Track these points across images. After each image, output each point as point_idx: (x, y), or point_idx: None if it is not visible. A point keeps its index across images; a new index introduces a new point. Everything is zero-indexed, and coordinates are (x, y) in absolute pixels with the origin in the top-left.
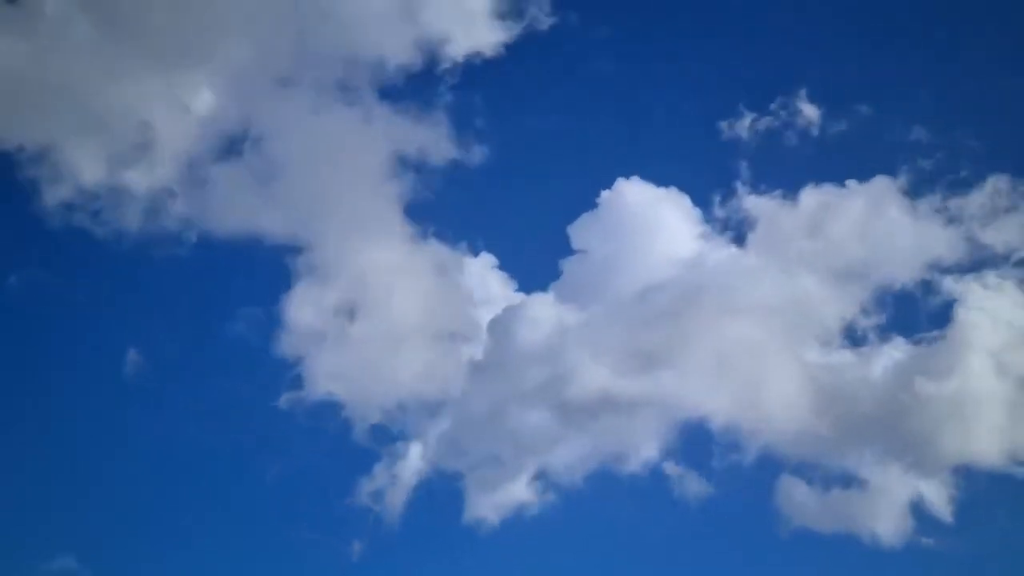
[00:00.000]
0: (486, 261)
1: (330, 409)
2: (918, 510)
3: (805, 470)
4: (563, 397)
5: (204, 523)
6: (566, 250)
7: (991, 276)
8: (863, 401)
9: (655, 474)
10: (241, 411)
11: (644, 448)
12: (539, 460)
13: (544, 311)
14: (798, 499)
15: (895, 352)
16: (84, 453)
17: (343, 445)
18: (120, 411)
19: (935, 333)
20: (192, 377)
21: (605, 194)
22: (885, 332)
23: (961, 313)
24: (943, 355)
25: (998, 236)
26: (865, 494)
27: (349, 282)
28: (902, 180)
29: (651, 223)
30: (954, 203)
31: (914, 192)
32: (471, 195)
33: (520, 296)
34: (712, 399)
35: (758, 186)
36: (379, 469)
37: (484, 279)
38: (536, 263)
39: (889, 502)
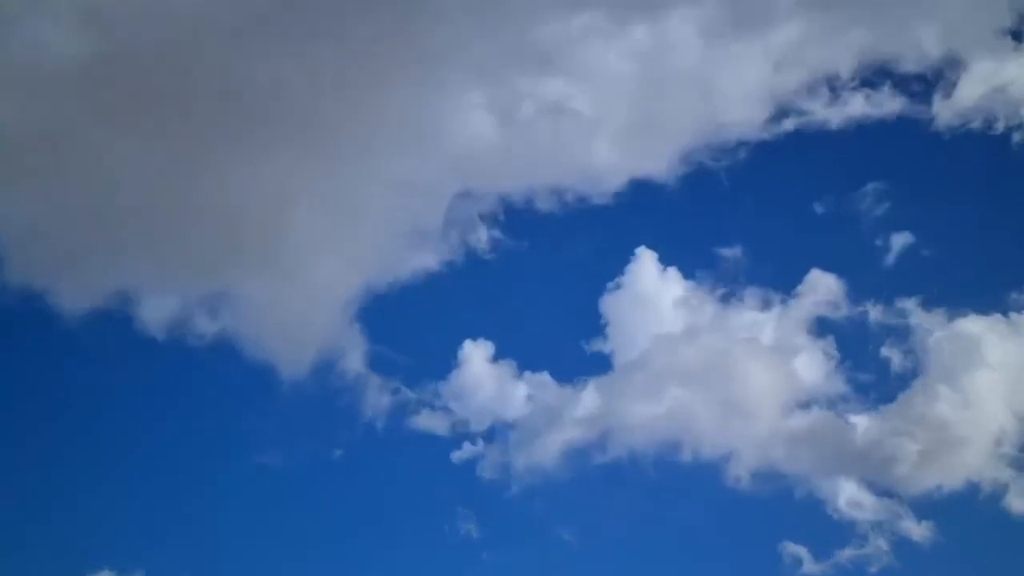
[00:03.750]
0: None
1: None
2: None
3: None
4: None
5: (249, 536)
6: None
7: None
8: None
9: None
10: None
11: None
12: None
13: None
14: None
15: (877, 407)
16: (124, 463)
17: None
18: (159, 411)
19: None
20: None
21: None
22: (868, 391)
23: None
24: (920, 397)
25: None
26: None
27: None
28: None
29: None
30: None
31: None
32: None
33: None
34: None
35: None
36: None
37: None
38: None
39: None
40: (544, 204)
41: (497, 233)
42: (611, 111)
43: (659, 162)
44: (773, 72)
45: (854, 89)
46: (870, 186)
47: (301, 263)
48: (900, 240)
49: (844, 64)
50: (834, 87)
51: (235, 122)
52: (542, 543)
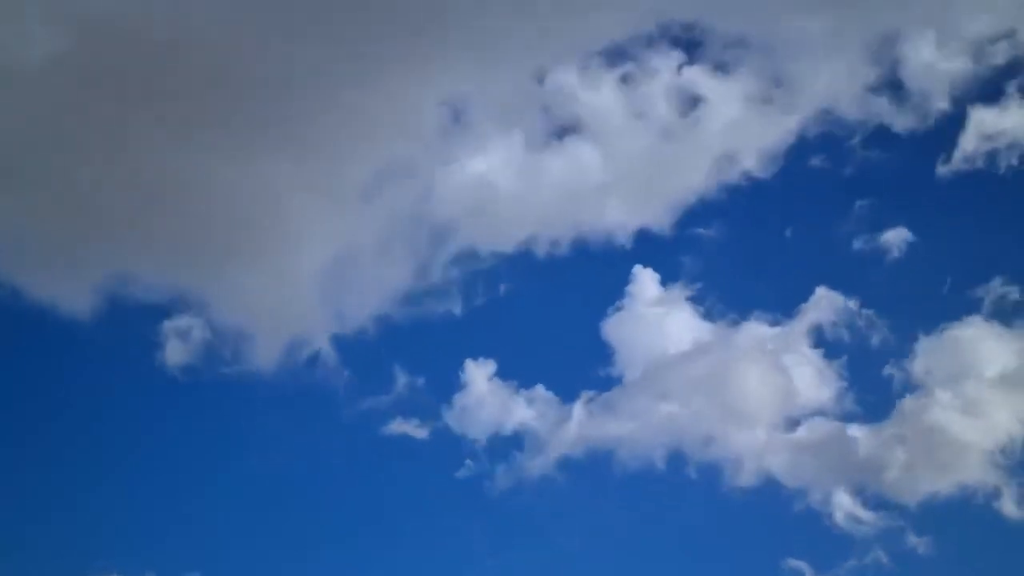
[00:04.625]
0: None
1: None
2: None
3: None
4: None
5: (254, 540)
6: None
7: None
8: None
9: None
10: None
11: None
12: None
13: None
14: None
15: (877, 418)
16: (124, 463)
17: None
18: (158, 410)
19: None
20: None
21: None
22: (867, 403)
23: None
24: (917, 406)
25: None
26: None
27: None
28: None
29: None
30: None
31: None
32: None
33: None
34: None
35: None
36: None
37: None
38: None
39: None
40: (551, 251)
41: (502, 274)
42: (624, 173)
43: (665, 216)
44: (786, 135)
45: (863, 147)
46: (871, 202)
47: (301, 264)
48: (900, 252)
49: (855, 126)
50: (842, 145)
51: (225, 116)
52: (545, 555)
